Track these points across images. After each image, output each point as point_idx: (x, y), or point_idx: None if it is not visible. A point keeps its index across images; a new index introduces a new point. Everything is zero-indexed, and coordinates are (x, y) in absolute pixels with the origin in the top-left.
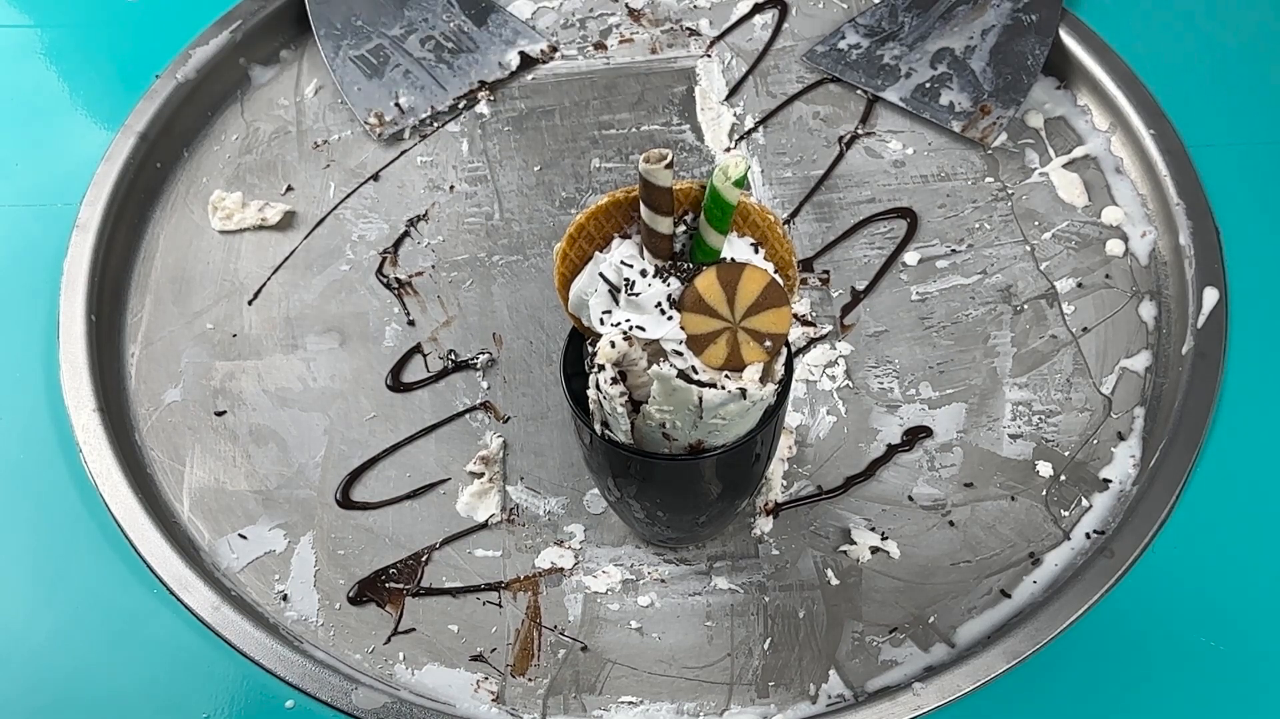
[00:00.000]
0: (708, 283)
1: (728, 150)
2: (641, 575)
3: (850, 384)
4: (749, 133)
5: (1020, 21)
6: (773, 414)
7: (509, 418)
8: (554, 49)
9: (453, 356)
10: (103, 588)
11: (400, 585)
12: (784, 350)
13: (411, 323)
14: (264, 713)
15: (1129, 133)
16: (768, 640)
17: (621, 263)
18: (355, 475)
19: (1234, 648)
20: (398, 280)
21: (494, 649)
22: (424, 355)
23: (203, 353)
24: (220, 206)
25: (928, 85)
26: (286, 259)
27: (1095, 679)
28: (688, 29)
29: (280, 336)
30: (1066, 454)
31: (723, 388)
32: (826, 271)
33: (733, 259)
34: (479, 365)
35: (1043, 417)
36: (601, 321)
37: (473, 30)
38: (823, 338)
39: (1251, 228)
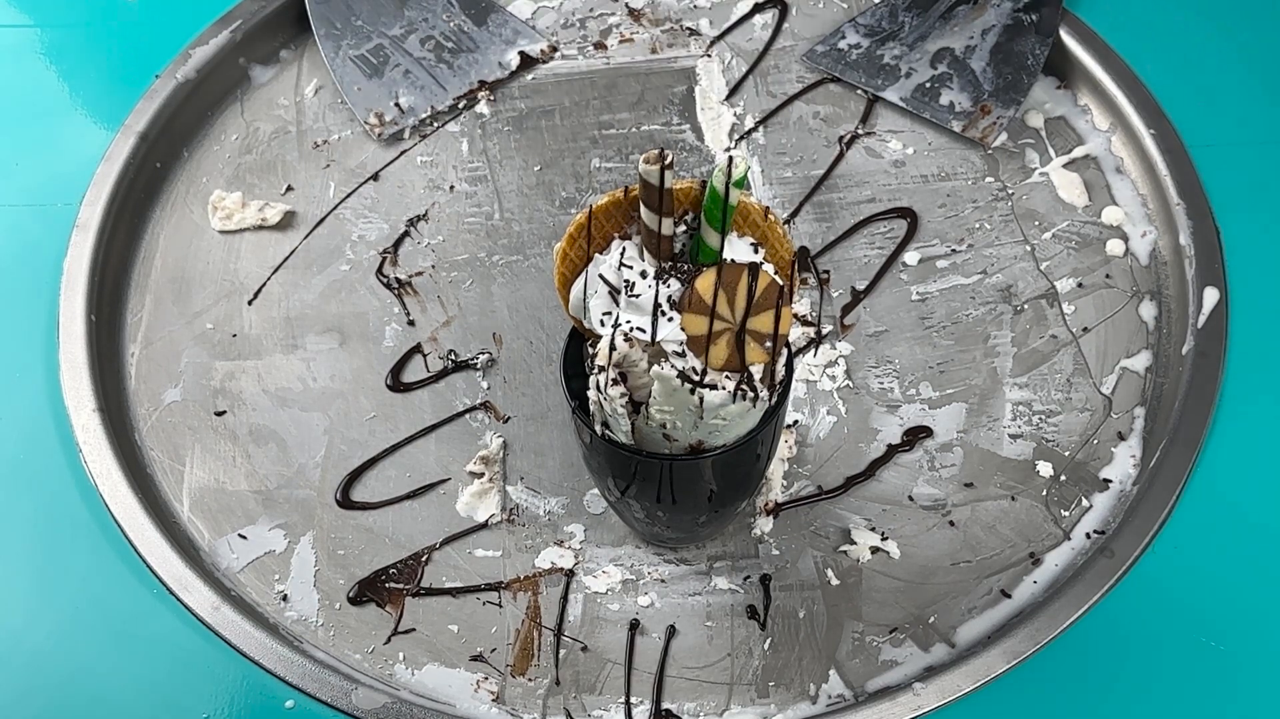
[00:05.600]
0: (708, 284)
1: (728, 150)
2: (641, 575)
3: (850, 384)
4: (749, 133)
5: (1020, 21)
6: (773, 414)
7: (509, 418)
8: (554, 49)
9: (453, 357)
10: (103, 588)
11: (400, 585)
12: (784, 351)
13: (411, 323)
14: (264, 713)
15: (1129, 133)
16: (768, 640)
17: (622, 264)
18: (355, 475)
19: (1234, 648)
20: (398, 280)
21: (494, 649)
22: (424, 355)
23: (203, 353)
24: (220, 206)
25: (928, 85)
26: (286, 259)
27: (1095, 679)
28: (688, 29)
29: (280, 336)
30: (1066, 454)
31: (723, 388)
32: (827, 271)
33: (733, 259)
34: (479, 365)
35: (1043, 417)
36: (602, 323)
37: (473, 30)
38: (823, 338)
39: (1251, 228)
